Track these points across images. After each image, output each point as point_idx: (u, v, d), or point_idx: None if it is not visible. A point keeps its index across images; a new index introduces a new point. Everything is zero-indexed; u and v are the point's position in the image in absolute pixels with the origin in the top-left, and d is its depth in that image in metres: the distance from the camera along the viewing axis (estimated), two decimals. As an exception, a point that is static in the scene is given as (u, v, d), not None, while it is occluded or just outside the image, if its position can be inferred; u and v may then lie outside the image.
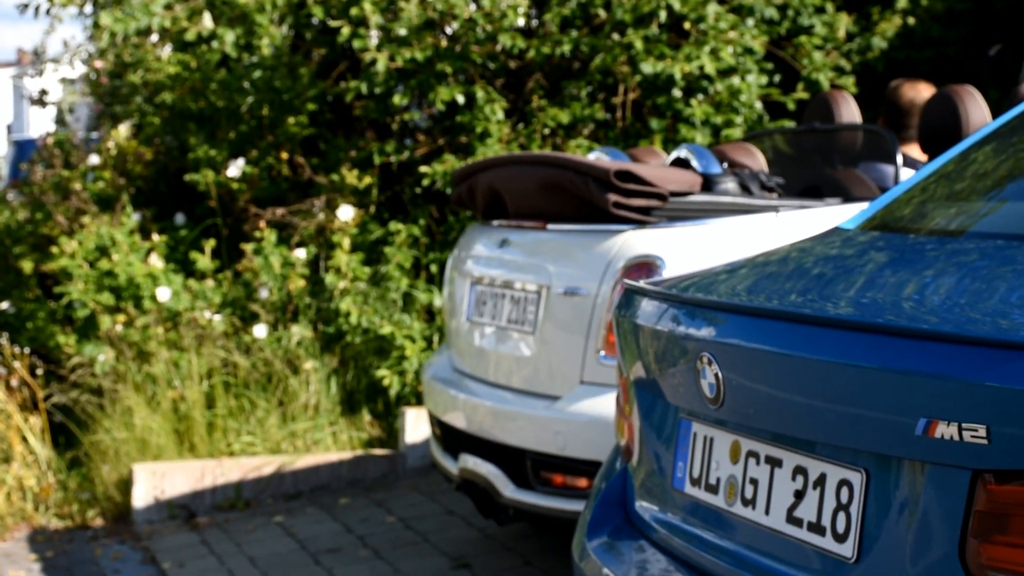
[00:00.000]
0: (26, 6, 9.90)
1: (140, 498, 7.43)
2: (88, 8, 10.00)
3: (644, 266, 4.86)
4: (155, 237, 8.73)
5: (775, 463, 2.72)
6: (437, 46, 8.07)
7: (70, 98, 12.43)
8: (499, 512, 5.34)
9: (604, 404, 4.71)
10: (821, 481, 2.60)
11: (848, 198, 5.38)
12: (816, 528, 2.60)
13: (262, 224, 8.55)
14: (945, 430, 2.28)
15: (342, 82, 8.53)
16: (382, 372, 7.74)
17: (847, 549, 2.53)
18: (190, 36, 8.90)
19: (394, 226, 8.16)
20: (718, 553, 2.89)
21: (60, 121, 11.74)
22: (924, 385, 2.35)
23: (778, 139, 6.55)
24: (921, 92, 6.21)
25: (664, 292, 3.12)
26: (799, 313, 2.81)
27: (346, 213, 8.15)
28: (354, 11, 8.09)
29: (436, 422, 5.78)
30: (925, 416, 2.32)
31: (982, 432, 2.23)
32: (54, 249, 8.61)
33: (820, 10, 8.20)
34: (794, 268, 3.23)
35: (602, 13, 7.99)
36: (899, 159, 5.53)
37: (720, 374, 2.78)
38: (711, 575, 2.90)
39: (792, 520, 2.66)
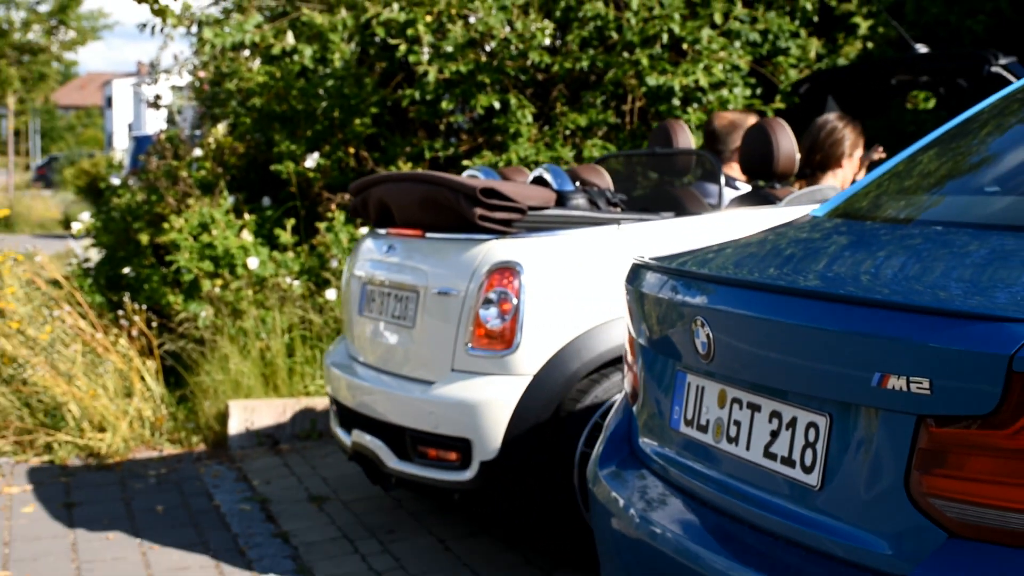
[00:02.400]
0: (144, 25, 9.94)
1: (234, 428, 7.52)
2: (194, 28, 10.03)
3: (505, 270, 4.79)
4: (246, 216, 8.79)
5: (755, 408, 2.74)
6: (478, 61, 8.06)
7: (178, 102, 12.49)
8: (384, 480, 5.30)
9: (471, 389, 4.78)
10: (792, 423, 2.61)
11: (681, 212, 5.29)
12: (788, 461, 2.62)
13: (333, 206, 8.60)
14: (895, 382, 2.29)
15: (399, 90, 8.53)
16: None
17: (813, 479, 2.54)
18: (276, 51, 8.92)
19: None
20: (706, 480, 2.91)
21: (170, 121, 11.79)
22: (879, 345, 2.36)
23: (626, 161, 6.42)
24: (723, 119, 6.16)
25: (665, 266, 3.13)
26: (776, 284, 2.83)
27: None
28: (410, 31, 8.09)
29: (333, 401, 5.73)
30: (879, 371, 2.33)
31: (926, 384, 2.25)
32: (165, 225, 8.67)
33: (795, 35, 8.17)
34: (772, 247, 3.23)
35: (614, 35, 7.98)
36: (722, 179, 5.49)
37: (711, 335, 2.80)
38: (700, 499, 2.92)
39: (768, 455, 2.68)
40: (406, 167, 8.35)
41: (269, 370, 7.97)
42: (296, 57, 8.85)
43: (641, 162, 6.36)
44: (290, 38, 8.92)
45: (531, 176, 5.64)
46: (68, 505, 6.44)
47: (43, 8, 38.15)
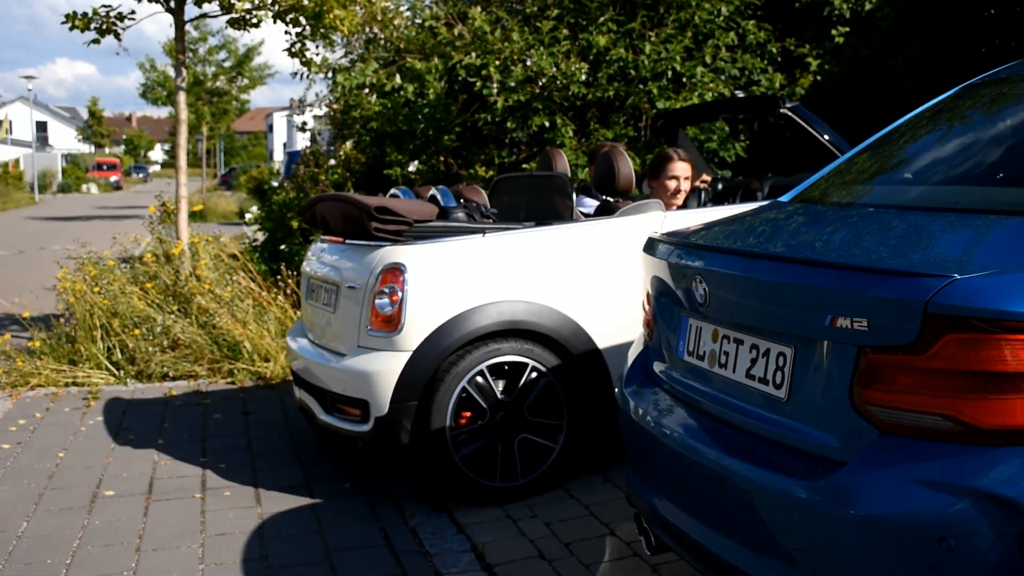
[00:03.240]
0: (296, 73, 10.01)
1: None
2: (330, 74, 10.06)
3: (394, 270, 4.62)
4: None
5: (739, 342, 2.72)
6: (533, 92, 8.01)
7: (318, 127, 12.50)
8: (318, 429, 5.14)
9: (368, 362, 4.63)
10: (767, 353, 2.60)
11: (542, 222, 5.00)
12: (763, 380, 2.60)
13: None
14: (843, 322, 2.30)
15: (476, 114, 8.49)
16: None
17: (782, 393, 2.53)
18: (387, 88, 8.91)
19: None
20: (702, 395, 2.89)
21: (313, 140, 11.82)
22: (829, 295, 2.37)
23: (513, 181, 5.98)
24: (604, 148, 5.83)
25: (672, 239, 3.11)
26: (753, 251, 2.82)
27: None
28: (484, 72, 8.06)
29: (291, 369, 5.57)
30: (831, 314, 2.33)
31: (865, 323, 2.25)
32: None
33: (764, 71, 8.07)
34: (749, 224, 3.20)
35: (632, 72, 7.90)
36: (574, 197, 5.24)
37: (707, 288, 2.78)
38: (698, 408, 2.91)
39: (748, 376, 2.66)
40: (481, 170, 8.32)
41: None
42: (402, 92, 8.83)
43: (529, 181, 5.91)
44: (398, 79, 8.91)
45: (428, 195, 5.43)
46: (244, 413, 6.50)
47: (227, 64, 38.84)
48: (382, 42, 10.24)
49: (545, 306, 4.71)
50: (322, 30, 9.61)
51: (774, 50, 8.20)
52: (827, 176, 3.42)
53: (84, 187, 56.78)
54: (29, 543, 4.35)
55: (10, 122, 53.79)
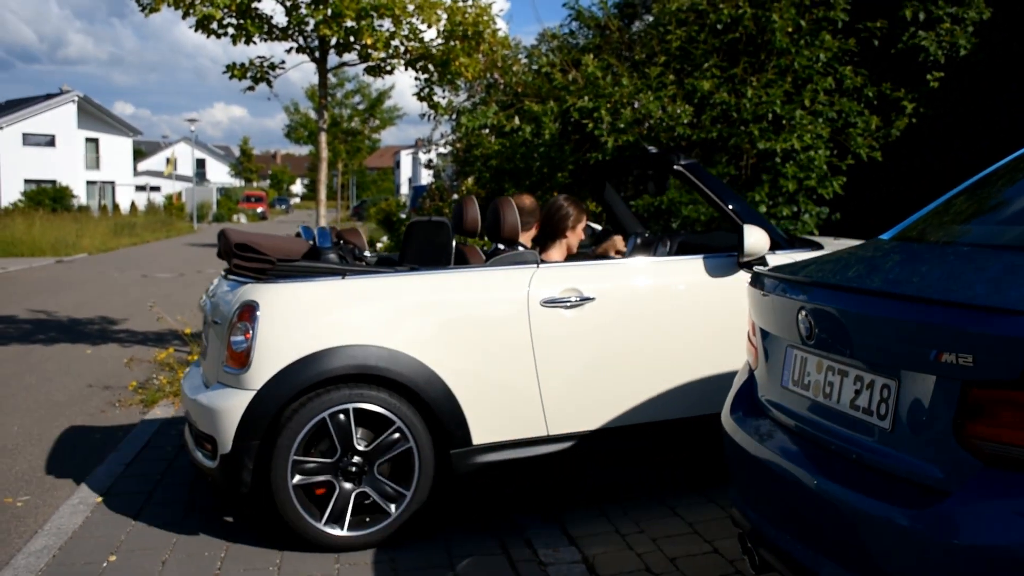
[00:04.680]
0: (423, 115, 10.14)
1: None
2: (453, 116, 10.16)
3: (248, 308, 4.21)
4: (485, 238, 8.81)
5: (843, 373, 2.62)
6: (641, 133, 7.95)
7: (442, 163, 12.64)
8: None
9: (216, 398, 4.23)
10: (871, 384, 2.49)
11: (414, 268, 4.56)
12: (867, 411, 2.50)
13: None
14: (948, 357, 2.20)
15: (587, 153, 8.46)
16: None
17: (886, 424, 2.42)
18: (507, 129, 8.94)
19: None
20: (806, 423, 2.80)
21: (437, 176, 11.95)
22: (935, 330, 2.27)
23: (414, 226, 5.09)
24: (524, 201, 5.20)
25: (779, 275, 3.02)
26: (857, 286, 2.71)
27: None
28: (595, 114, 8.02)
29: None
30: (935, 349, 2.23)
31: (970, 359, 2.15)
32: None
33: (860, 113, 7.86)
34: (851, 260, 3.09)
35: (735, 114, 7.78)
36: (452, 244, 4.77)
37: (812, 322, 2.69)
38: (802, 435, 2.81)
39: (853, 406, 2.56)
40: (592, 205, 8.28)
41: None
42: (520, 133, 8.86)
43: (420, 228, 5.09)
44: (516, 120, 8.94)
45: (307, 233, 5.08)
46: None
47: (361, 106, 39.75)
48: (502, 87, 10.32)
49: (401, 352, 4.22)
50: (448, 76, 9.73)
51: (870, 94, 8.00)
52: (925, 216, 3.29)
53: (235, 217, 58.53)
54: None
55: (175, 160, 55.90)
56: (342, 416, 4.19)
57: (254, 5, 9.25)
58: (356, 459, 4.23)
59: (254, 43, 9.22)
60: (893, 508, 2.29)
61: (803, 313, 2.71)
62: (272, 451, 4.14)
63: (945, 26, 8.16)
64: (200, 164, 78.25)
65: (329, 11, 8.95)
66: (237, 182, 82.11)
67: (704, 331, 4.62)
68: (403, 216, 11.89)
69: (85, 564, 4.17)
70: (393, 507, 4.28)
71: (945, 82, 8.16)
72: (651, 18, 9.54)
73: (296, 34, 9.50)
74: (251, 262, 4.48)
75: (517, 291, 4.43)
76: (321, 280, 4.35)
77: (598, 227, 6.08)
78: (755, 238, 4.61)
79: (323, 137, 9.45)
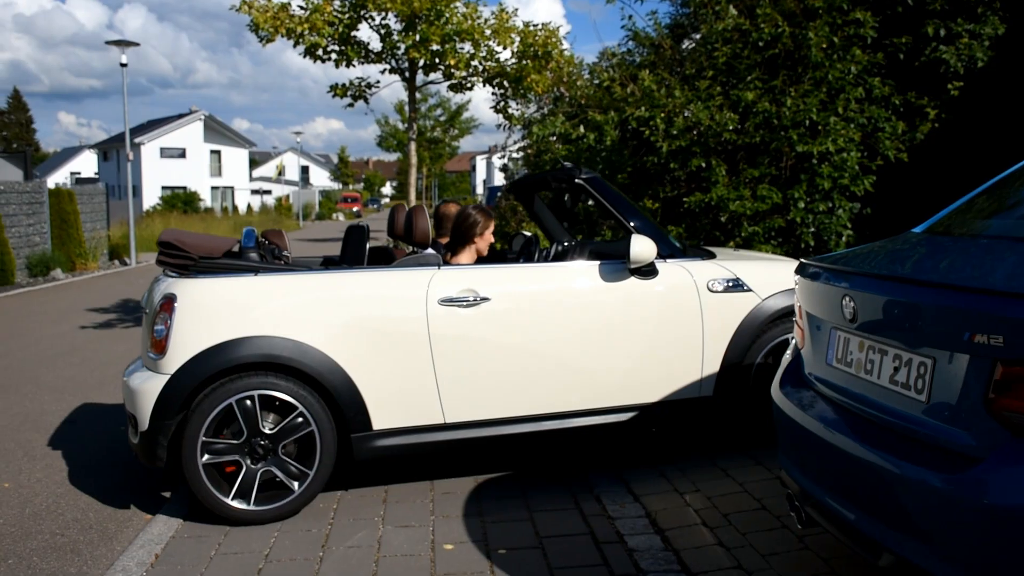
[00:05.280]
0: (499, 125, 10.14)
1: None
2: (524, 125, 10.15)
3: (168, 300, 4.13)
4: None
5: (883, 352, 2.57)
6: (692, 139, 7.86)
7: (514, 168, 12.63)
8: None
9: (137, 380, 4.15)
10: (909, 362, 2.45)
11: (331, 267, 4.57)
12: (906, 386, 2.45)
13: (604, 228, 8.51)
14: (980, 338, 2.14)
15: (644, 157, 8.40)
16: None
17: (923, 397, 2.38)
18: (573, 137, 8.91)
19: (670, 228, 8.03)
20: (850, 396, 2.75)
21: (510, 178, 11.95)
22: (968, 314, 2.20)
23: (350, 229, 4.95)
24: (446, 208, 5.23)
25: (823, 264, 2.97)
26: (898, 275, 2.65)
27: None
28: (652, 123, 7.95)
29: None
30: (968, 331, 2.17)
31: (1000, 339, 2.09)
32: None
33: (888, 119, 7.67)
34: (887, 251, 3.02)
35: (775, 121, 7.65)
36: (366, 246, 4.76)
37: (854, 305, 2.64)
38: (845, 407, 2.77)
39: (892, 381, 2.51)
40: (649, 203, 8.21)
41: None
42: (584, 140, 8.82)
43: (352, 231, 4.97)
44: (581, 129, 8.90)
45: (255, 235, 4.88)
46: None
47: (442, 118, 39.97)
48: (567, 99, 10.27)
49: (306, 344, 4.10)
50: (520, 91, 9.73)
51: (897, 102, 7.82)
52: (951, 213, 3.21)
53: (334, 215, 59.28)
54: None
55: (284, 167, 56.75)
56: (248, 402, 4.10)
57: (352, 33, 9.34)
58: (263, 441, 4.14)
59: (353, 66, 9.32)
60: (929, 472, 2.25)
61: (846, 299, 2.67)
62: (183, 431, 4.07)
63: (964, 41, 7.93)
64: (304, 170, 79.31)
65: (418, 37, 9.01)
66: (336, 185, 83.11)
67: (594, 330, 4.46)
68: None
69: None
70: (296, 484, 4.20)
71: (964, 91, 7.94)
72: (699, 37, 9.41)
73: (389, 57, 9.58)
74: (174, 258, 4.34)
75: (417, 290, 4.30)
76: (236, 276, 4.23)
77: (528, 234, 5.80)
78: (640, 247, 4.43)
79: (412, 147, 9.53)
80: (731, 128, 7.72)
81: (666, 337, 4.55)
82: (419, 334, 4.26)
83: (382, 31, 9.41)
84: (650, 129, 8.01)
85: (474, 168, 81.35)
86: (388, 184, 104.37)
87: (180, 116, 52.40)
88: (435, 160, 43.33)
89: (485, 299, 4.35)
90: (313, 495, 4.25)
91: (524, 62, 9.42)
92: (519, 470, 4.85)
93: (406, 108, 41.85)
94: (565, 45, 10.04)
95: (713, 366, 4.61)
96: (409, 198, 9.72)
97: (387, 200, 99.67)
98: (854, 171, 7.52)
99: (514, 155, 12.15)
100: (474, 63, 9.48)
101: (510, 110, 9.85)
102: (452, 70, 9.39)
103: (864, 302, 2.60)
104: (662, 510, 4.12)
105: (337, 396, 4.15)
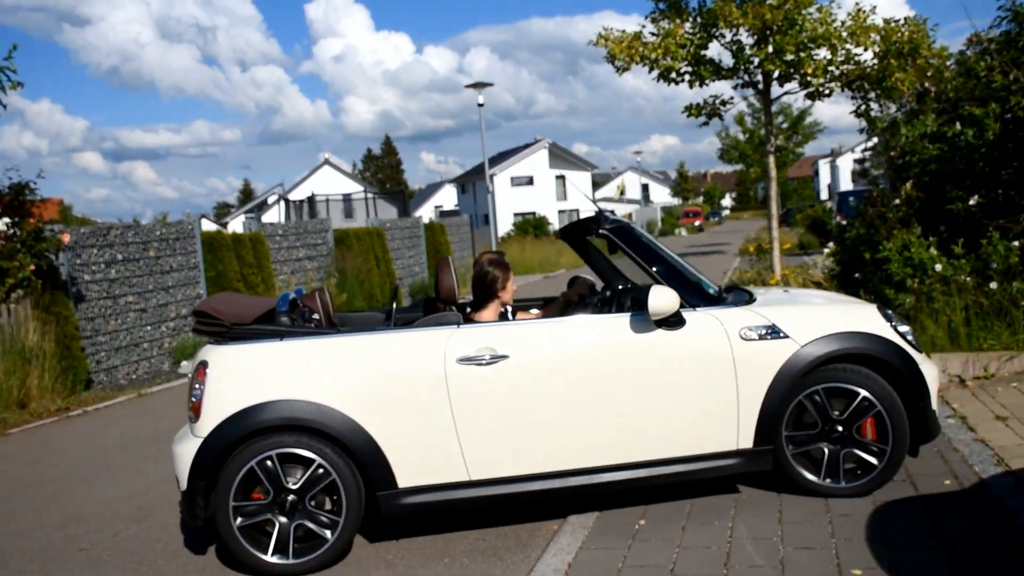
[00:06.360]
0: (861, 130, 9.65)
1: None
2: (886, 126, 9.55)
3: (202, 366, 4.28)
4: (930, 238, 8.18)
5: None
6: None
7: (874, 171, 11.93)
8: None
9: (180, 444, 4.35)
10: None
11: (351, 330, 4.50)
12: None
13: (991, 228, 7.77)
14: None
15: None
16: None
17: None
18: (948, 134, 8.27)
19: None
20: None
21: (873, 183, 11.28)
22: None
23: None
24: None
25: None
26: None
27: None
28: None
29: None
30: None
31: None
32: (881, 247, 8.26)
33: None
34: None
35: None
36: (394, 305, 5.06)
37: None
38: None
39: None
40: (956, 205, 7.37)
41: (952, 333, 7.37)
42: (962, 137, 8.13)
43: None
44: (958, 126, 8.23)
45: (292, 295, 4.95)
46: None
47: (783, 125, 38.89)
48: (932, 95, 9.51)
49: (328, 406, 4.20)
50: (884, 92, 9.20)
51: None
52: None
53: (676, 231, 59.60)
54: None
55: (624, 186, 58.28)
56: (268, 462, 4.24)
57: (703, 52, 9.40)
58: (291, 497, 4.29)
59: (706, 84, 9.37)
60: None
61: None
62: (216, 495, 4.27)
63: None
64: (644, 188, 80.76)
65: (771, 48, 8.85)
66: (675, 200, 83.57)
67: (617, 383, 4.37)
68: (836, 222, 11.33)
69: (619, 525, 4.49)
70: (329, 533, 4.31)
71: None
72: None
73: (742, 72, 9.51)
74: (208, 327, 4.48)
75: (435, 349, 4.32)
76: (262, 342, 4.37)
77: (584, 277, 5.66)
78: (658, 299, 4.30)
79: (771, 160, 9.38)
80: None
81: (696, 388, 4.42)
82: (439, 393, 4.29)
83: (733, 47, 9.37)
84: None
85: (816, 173, 77.74)
86: (728, 196, 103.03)
87: (527, 146, 55.82)
88: (779, 168, 42.18)
89: (503, 356, 4.35)
90: (347, 543, 4.38)
91: (887, 61, 8.88)
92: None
93: (747, 119, 41.25)
94: (933, 38, 9.32)
95: (751, 417, 4.45)
96: (771, 211, 9.54)
97: (727, 211, 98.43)
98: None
99: (855, 156, 11.46)
100: (831, 68, 9.11)
101: (872, 113, 9.32)
102: (808, 78, 9.10)
103: None
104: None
105: (360, 455, 4.27)
